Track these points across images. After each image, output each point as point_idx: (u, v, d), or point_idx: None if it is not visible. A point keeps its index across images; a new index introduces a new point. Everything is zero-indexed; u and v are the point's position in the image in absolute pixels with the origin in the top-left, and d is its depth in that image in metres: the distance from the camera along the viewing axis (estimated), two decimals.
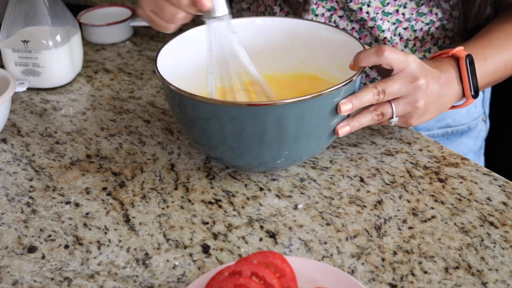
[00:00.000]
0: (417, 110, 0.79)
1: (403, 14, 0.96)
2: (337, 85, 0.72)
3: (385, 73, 0.80)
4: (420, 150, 0.87)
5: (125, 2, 1.39)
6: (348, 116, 0.77)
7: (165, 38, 1.22)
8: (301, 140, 0.75)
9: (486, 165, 1.17)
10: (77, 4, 1.31)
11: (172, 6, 0.77)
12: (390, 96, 0.77)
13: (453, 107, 0.85)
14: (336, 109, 0.74)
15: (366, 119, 0.77)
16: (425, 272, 0.68)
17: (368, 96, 0.75)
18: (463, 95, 0.84)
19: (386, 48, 0.76)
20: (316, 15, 0.99)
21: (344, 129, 0.76)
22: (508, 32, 0.90)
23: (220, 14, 0.77)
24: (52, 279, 0.68)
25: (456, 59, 0.83)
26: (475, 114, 1.10)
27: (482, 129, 1.14)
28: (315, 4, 0.98)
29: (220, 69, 0.81)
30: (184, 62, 0.86)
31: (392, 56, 0.76)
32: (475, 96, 0.83)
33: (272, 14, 1.05)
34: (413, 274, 0.67)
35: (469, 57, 0.82)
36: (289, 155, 0.76)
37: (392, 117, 0.78)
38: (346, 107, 0.74)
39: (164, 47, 0.82)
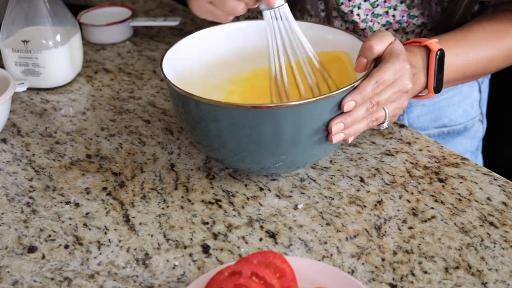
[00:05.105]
0: (407, 95, 0.79)
1: (393, 16, 0.96)
2: (336, 90, 0.72)
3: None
4: (420, 150, 0.87)
5: (125, 2, 1.39)
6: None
7: (165, 38, 1.22)
8: (300, 145, 0.74)
9: (485, 165, 1.17)
10: (77, 4, 1.31)
11: None
12: (384, 92, 0.76)
13: (417, 96, 0.86)
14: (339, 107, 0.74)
15: (361, 125, 0.76)
16: (425, 272, 0.68)
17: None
18: (426, 86, 0.85)
19: (372, 44, 0.76)
20: (311, 15, 0.99)
21: (338, 136, 0.75)
22: (487, 30, 0.90)
23: (279, 4, 0.79)
24: (52, 279, 0.68)
25: (428, 50, 0.83)
26: (472, 114, 1.10)
27: (479, 129, 1.13)
28: (310, 5, 0.98)
29: (279, 57, 0.82)
30: (188, 64, 0.86)
31: (380, 47, 0.77)
32: (437, 91, 0.84)
33: None
34: (413, 274, 0.67)
35: (440, 52, 0.82)
36: (291, 160, 0.76)
37: (384, 121, 0.78)
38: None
39: (170, 49, 0.83)
